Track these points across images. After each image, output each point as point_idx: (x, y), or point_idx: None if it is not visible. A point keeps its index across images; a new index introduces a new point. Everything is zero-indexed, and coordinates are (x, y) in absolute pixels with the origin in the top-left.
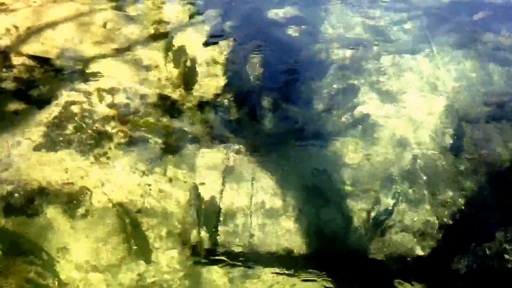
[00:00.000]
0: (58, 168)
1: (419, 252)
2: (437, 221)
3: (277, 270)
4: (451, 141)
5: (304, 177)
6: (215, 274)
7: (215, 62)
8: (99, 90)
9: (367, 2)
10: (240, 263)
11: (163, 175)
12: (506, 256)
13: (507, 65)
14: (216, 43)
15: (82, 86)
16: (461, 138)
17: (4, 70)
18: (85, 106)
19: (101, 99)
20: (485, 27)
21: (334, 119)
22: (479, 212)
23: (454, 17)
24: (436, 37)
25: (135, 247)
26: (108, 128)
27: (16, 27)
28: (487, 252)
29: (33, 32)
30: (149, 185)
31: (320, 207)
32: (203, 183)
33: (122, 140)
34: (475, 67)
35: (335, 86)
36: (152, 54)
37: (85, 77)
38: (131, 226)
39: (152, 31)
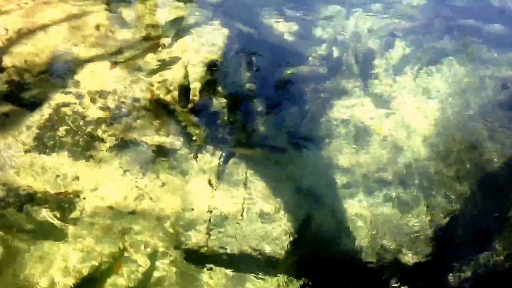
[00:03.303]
0: (50, 171)
1: (412, 256)
2: (430, 224)
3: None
4: (444, 144)
5: (297, 180)
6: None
7: (209, 64)
8: (91, 92)
9: (360, 7)
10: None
11: (155, 178)
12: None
13: (498, 69)
14: (209, 46)
15: (74, 88)
16: (453, 142)
17: None
18: (77, 108)
19: (93, 101)
20: (476, 32)
21: (328, 122)
22: (471, 215)
23: (446, 22)
24: (429, 41)
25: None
26: (100, 131)
27: (7, 29)
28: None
29: (25, 34)
30: (141, 188)
31: (312, 209)
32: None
33: (114, 143)
34: (467, 71)
35: (329, 89)
36: (144, 57)
37: (77, 79)
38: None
39: (145, 34)
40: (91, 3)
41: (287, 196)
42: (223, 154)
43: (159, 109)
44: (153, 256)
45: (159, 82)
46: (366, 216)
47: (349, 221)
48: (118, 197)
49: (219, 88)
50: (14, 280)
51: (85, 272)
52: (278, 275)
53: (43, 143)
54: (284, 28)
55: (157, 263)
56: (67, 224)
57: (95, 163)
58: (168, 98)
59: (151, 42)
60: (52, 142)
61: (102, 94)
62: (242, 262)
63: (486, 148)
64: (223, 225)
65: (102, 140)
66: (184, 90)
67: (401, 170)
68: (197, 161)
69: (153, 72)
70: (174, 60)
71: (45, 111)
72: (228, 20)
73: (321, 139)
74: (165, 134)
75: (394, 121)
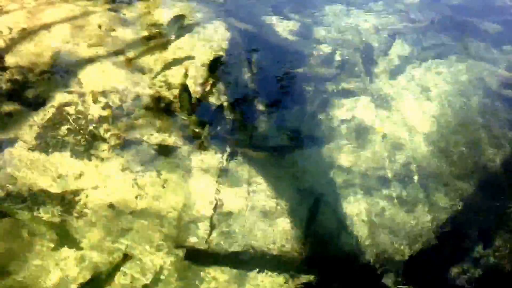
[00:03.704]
0: (52, 170)
1: (412, 253)
2: (430, 222)
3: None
4: (444, 143)
5: (298, 179)
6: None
7: (210, 63)
8: (93, 92)
9: (359, 7)
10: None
11: (156, 177)
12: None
13: (498, 67)
14: (211, 45)
15: (76, 88)
16: (453, 140)
17: None
18: (79, 107)
19: (95, 100)
20: (476, 31)
21: (329, 121)
22: (471, 213)
23: (446, 21)
24: (429, 40)
25: None
26: (102, 130)
27: (10, 29)
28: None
29: (28, 33)
30: (143, 187)
31: (313, 208)
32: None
33: (116, 142)
34: (467, 69)
35: (330, 88)
36: (146, 56)
37: (80, 78)
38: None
39: (147, 33)
40: (93, 3)
41: (288, 194)
42: (226, 153)
43: (161, 107)
44: (154, 254)
45: (160, 81)
46: (367, 214)
47: (350, 219)
48: (120, 195)
49: (221, 87)
50: (13, 278)
51: (84, 271)
52: (281, 272)
53: (46, 142)
54: (285, 27)
55: (159, 262)
56: (68, 223)
57: (98, 161)
58: (170, 96)
59: (152, 41)
60: (54, 141)
61: (104, 93)
62: (245, 260)
63: (486, 146)
64: (226, 223)
65: (104, 139)
66: (186, 89)
67: (401, 168)
68: (199, 159)
69: (154, 71)
70: (175, 59)
71: (48, 110)
72: (229, 19)
73: (322, 138)
74: (167, 132)
75: (395, 119)
